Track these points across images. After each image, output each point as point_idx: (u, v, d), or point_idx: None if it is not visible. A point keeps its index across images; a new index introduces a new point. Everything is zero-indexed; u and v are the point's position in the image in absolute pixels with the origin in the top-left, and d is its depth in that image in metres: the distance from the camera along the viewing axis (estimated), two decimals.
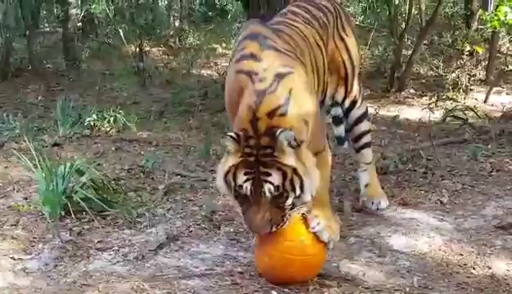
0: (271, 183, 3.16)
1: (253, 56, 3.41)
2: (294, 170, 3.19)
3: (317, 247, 3.46)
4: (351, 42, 4.47)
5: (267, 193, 3.16)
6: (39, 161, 4.55)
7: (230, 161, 3.25)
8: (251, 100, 3.22)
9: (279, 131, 3.12)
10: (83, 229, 4.24)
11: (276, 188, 3.17)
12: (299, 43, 3.84)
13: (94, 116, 7.02)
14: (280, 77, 3.29)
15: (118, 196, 4.69)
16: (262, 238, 3.38)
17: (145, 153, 6.08)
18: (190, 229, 4.25)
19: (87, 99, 8.73)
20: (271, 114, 3.19)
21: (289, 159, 3.18)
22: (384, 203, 4.55)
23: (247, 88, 3.31)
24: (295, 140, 3.16)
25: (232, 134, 3.21)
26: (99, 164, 5.45)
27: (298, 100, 3.30)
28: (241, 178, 3.20)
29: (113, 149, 6.26)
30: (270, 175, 3.16)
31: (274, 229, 3.25)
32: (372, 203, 4.54)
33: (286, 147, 3.14)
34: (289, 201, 3.24)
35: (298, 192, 3.22)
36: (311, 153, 3.36)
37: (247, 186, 3.18)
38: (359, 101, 4.60)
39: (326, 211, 3.63)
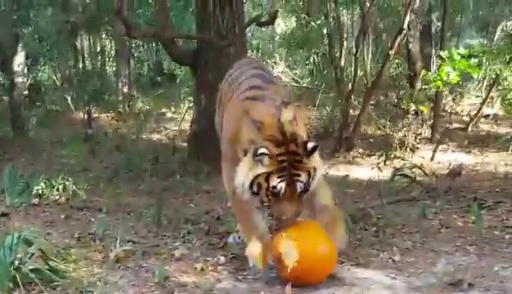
0: (301, 182, 3.99)
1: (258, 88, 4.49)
2: (315, 169, 4.10)
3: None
4: None
5: (298, 190, 3.98)
6: None
7: (260, 168, 3.93)
8: (269, 112, 4.09)
9: (311, 145, 4.05)
10: None
11: (304, 185, 4.00)
12: None
13: (42, 184, 6.94)
14: (285, 103, 4.23)
15: (68, 265, 4.58)
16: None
17: (95, 220, 5.98)
18: None
19: (36, 167, 8.61)
20: (290, 122, 4.08)
21: (314, 162, 4.10)
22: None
23: (255, 107, 4.20)
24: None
25: (265, 150, 3.88)
26: (48, 233, 5.35)
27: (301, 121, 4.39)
28: (276, 180, 3.94)
29: (62, 217, 6.15)
30: (300, 175, 3.98)
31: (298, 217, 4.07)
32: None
33: (315, 155, 4.10)
34: (307, 194, 4.13)
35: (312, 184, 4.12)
36: None
37: (282, 186, 3.94)
38: None
39: None
